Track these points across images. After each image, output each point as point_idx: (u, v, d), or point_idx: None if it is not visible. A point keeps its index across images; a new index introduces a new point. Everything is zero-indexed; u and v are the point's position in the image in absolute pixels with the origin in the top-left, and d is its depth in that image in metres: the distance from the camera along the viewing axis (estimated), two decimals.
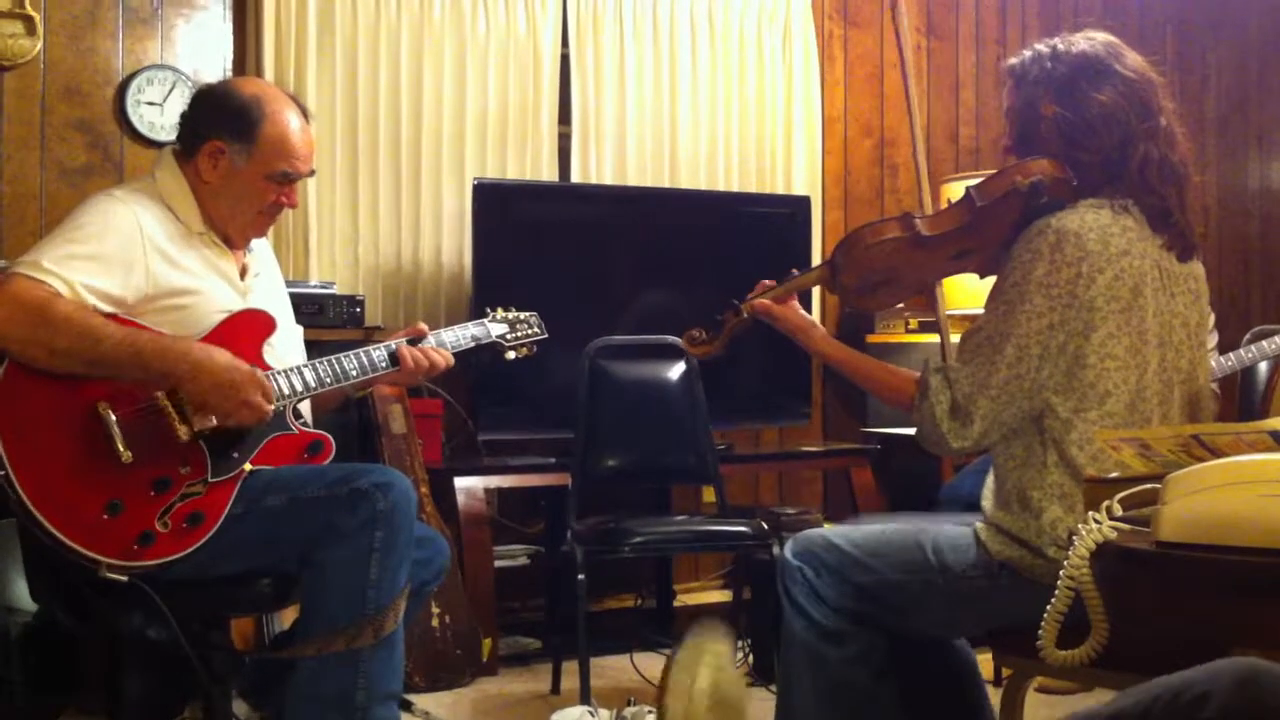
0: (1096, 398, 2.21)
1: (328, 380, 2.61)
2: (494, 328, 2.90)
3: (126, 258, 2.49)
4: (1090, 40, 2.36)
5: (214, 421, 2.45)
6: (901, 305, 4.99)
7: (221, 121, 2.64)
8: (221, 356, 2.46)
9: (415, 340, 2.73)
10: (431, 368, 2.73)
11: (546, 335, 2.98)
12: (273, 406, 2.50)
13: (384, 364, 2.68)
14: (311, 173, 2.75)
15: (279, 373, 2.56)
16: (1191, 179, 2.35)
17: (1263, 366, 3.74)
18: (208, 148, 2.63)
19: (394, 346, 2.70)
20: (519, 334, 2.92)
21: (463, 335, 2.84)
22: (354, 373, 2.64)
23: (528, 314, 2.96)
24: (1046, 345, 2.21)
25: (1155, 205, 2.29)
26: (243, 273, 2.72)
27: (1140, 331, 2.23)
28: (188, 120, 2.70)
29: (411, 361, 2.69)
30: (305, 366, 2.60)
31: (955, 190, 4.72)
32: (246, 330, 2.59)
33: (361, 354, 2.67)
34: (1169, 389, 2.29)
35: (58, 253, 2.43)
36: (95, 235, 2.48)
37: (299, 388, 2.58)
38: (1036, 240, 2.23)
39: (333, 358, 2.63)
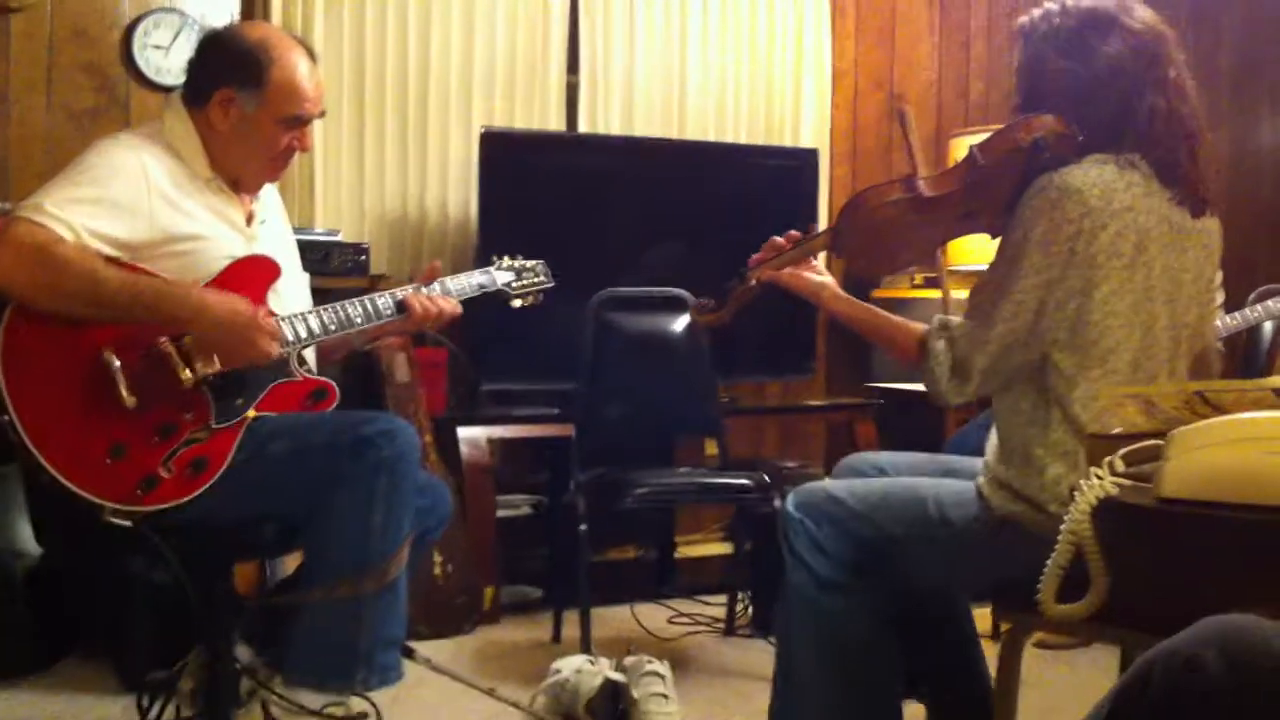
0: (1099, 355, 2.20)
1: (332, 327, 2.60)
2: (500, 275, 2.89)
3: (131, 202, 2.48)
4: None
5: (217, 366, 2.45)
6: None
7: (231, 69, 2.62)
8: (223, 298, 2.46)
9: (426, 283, 2.72)
10: (440, 315, 2.72)
11: (553, 284, 2.96)
12: (278, 347, 2.50)
13: (389, 311, 2.67)
14: (322, 113, 2.73)
15: (283, 319, 2.56)
16: (1204, 133, 2.32)
17: (1268, 326, 3.74)
18: (218, 96, 2.61)
19: (400, 295, 2.69)
20: (525, 282, 2.91)
21: (468, 283, 2.83)
22: (359, 319, 2.64)
23: (534, 262, 2.95)
24: (1044, 301, 2.20)
25: (1163, 158, 2.26)
26: (249, 219, 2.71)
27: (1146, 288, 2.22)
28: (195, 69, 2.68)
29: (419, 308, 2.69)
30: (310, 313, 2.60)
31: (963, 147, 4.70)
32: (251, 276, 2.58)
33: (366, 301, 2.66)
34: (1177, 344, 2.28)
35: (62, 196, 2.42)
36: (100, 179, 2.47)
37: (303, 334, 2.57)
38: (1038, 197, 2.21)
39: (338, 304, 2.62)
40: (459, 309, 2.76)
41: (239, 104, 2.61)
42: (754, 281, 2.51)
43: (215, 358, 2.44)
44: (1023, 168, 2.28)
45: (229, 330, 2.44)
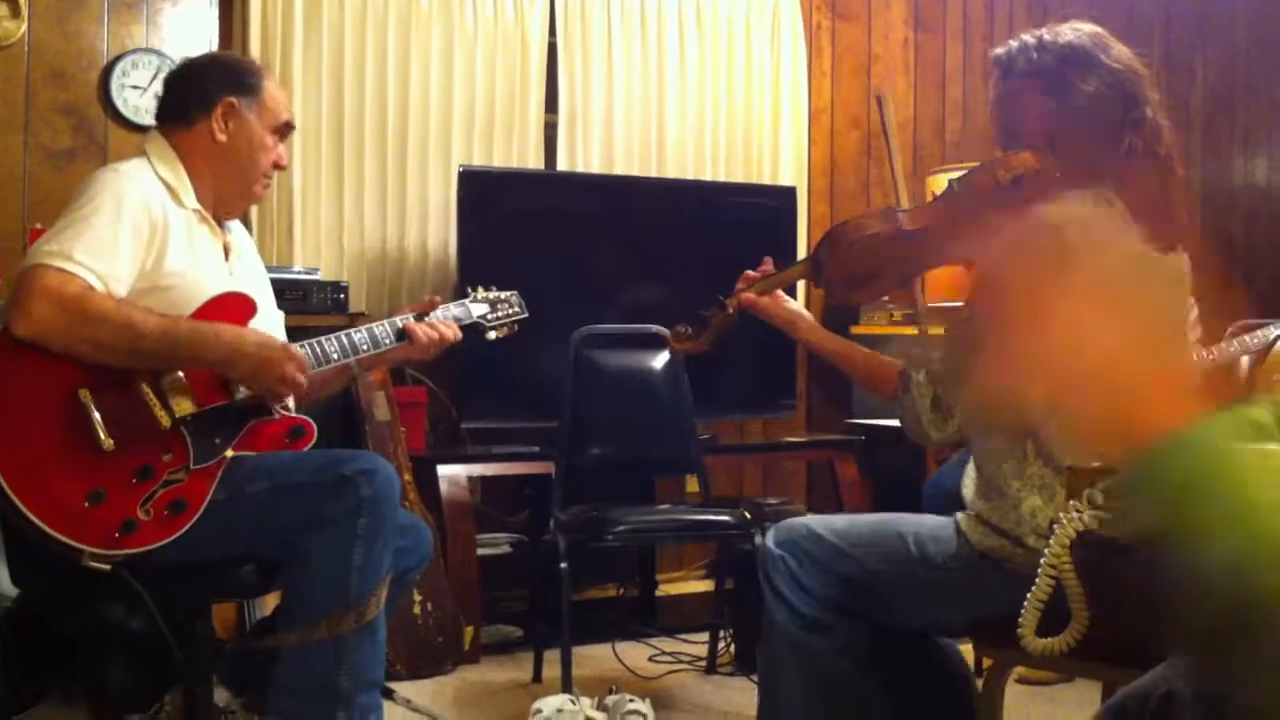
0: None
1: (335, 356, 2.60)
2: (475, 308, 2.89)
3: (140, 241, 2.49)
4: (1077, 31, 2.35)
5: (193, 407, 2.45)
6: (886, 298, 4.99)
7: (229, 80, 2.67)
8: (252, 336, 2.48)
9: (422, 315, 2.74)
10: (441, 340, 2.74)
11: (527, 314, 2.97)
12: (305, 377, 2.50)
13: (388, 340, 2.68)
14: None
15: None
16: (1177, 171, 2.35)
17: (1244, 360, 3.76)
18: (221, 107, 2.64)
19: (400, 323, 2.70)
20: (500, 314, 2.92)
21: (444, 316, 2.83)
22: (364, 346, 2.65)
23: (509, 293, 2.95)
24: None
25: (1138, 198, 2.29)
26: (226, 253, 2.71)
27: None
28: (185, 91, 2.69)
29: (423, 335, 2.70)
30: (307, 344, 2.59)
31: (940, 183, 4.73)
32: (229, 313, 2.57)
33: (368, 329, 2.67)
34: None
35: (82, 241, 2.40)
36: (113, 219, 2.46)
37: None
38: (1017, 234, 2.23)
39: (341, 333, 2.63)
40: (459, 334, 2.78)
41: (239, 111, 2.65)
42: (731, 310, 2.53)
43: (191, 398, 2.44)
44: (1001, 204, 2.29)
45: (263, 368, 2.45)
